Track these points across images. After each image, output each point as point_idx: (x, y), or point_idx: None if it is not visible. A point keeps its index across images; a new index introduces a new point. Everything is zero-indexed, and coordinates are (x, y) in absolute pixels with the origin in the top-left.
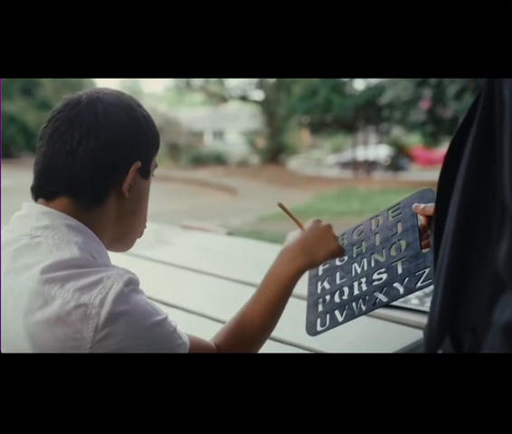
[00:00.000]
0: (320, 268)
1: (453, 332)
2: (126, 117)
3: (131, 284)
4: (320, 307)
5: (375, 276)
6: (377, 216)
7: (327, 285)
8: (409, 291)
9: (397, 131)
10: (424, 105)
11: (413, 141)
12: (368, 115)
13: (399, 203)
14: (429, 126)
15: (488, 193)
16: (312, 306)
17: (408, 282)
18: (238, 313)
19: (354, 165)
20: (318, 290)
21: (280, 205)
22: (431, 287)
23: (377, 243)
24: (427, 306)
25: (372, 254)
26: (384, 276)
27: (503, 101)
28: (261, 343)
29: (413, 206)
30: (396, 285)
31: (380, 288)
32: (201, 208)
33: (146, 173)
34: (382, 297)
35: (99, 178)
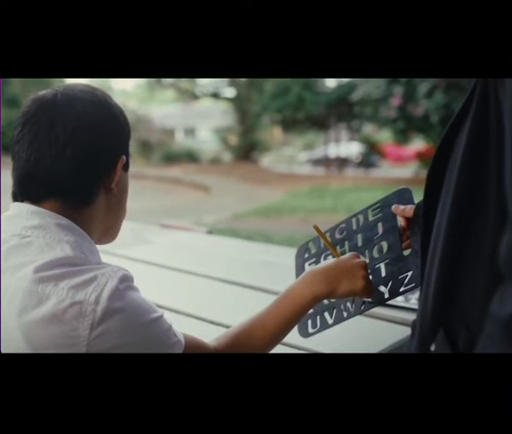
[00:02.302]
0: (306, 267)
1: (447, 326)
2: (106, 115)
3: (126, 281)
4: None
5: None
6: (358, 215)
7: None
8: (394, 295)
9: (368, 128)
10: (395, 102)
11: (384, 138)
12: (340, 112)
13: (378, 203)
14: (399, 122)
15: (482, 191)
16: None
17: (392, 286)
18: (246, 322)
19: (326, 162)
20: None
21: (316, 228)
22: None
23: (360, 244)
24: (412, 303)
25: None
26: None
27: (499, 102)
28: (268, 351)
29: (393, 208)
30: (381, 288)
31: None
32: (174, 206)
33: (127, 165)
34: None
35: (89, 179)
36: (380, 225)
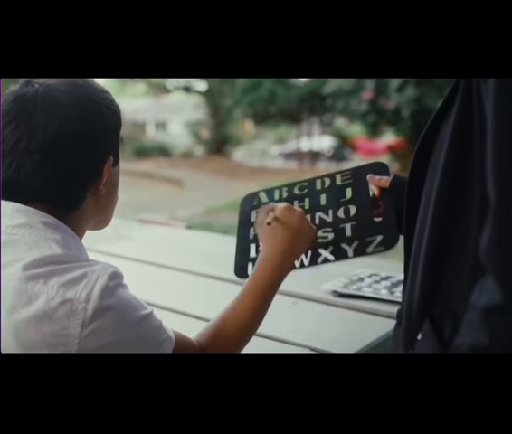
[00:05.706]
0: (253, 214)
1: (433, 316)
2: (90, 117)
3: (116, 278)
4: (253, 253)
5: (320, 233)
6: (324, 177)
7: None
8: (358, 254)
9: (340, 122)
10: (367, 96)
11: (355, 131)
12: (312, 106)
13: (349, 170)
14: (370, 116)
15: (466, 184)
16: (243, 251)
17: (358, 246)
18: (222, 312)
19: (298, 155)
20: (251, 236)
21: None
22: (398, 278)
23: (323, 203)
24: (396, 296)
25: (316, 212)
26: (331, 235)
27: (482, 100)
28: (246, 341)
29: (368, 176)
30: (344, 246)
31: (325, 246)
32: (147, 200)
33: (117, 160)
34: (328, 256)
35: (73, 186)
36: (349, 190)
